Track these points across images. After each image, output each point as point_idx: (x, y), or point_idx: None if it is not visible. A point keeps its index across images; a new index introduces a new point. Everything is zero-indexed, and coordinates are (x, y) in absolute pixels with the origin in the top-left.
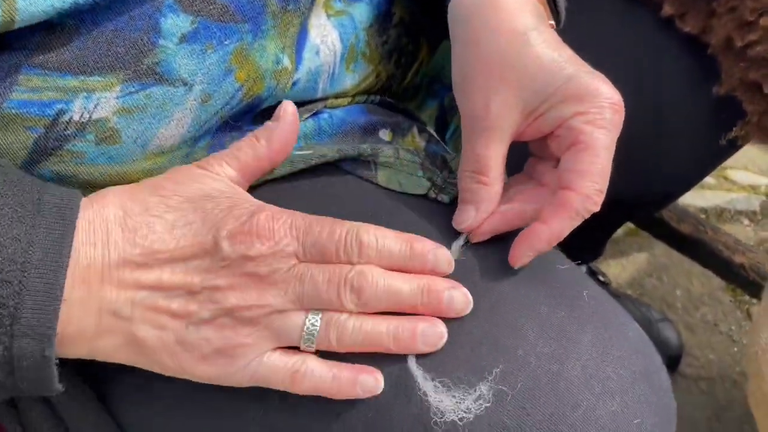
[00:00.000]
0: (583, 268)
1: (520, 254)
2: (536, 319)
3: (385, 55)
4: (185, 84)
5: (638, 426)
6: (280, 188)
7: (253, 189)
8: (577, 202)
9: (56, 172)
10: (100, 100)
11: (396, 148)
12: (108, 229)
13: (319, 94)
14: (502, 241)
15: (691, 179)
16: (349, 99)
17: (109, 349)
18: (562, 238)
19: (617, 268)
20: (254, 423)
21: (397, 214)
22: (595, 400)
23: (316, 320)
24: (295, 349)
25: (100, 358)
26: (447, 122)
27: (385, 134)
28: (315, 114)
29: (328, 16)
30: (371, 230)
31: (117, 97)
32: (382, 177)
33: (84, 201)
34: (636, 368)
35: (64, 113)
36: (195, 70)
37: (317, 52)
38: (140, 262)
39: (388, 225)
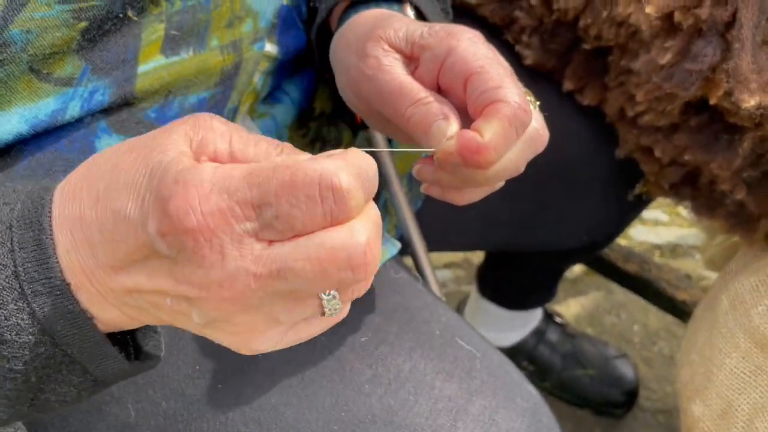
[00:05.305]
0: (540, 310)
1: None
2: (430, 394)
3: (308, 144)
4: None
5: None
6: None
7: None
8: (508, 110)
9: None
10: None
11: None
12: None
13: None
14: (406, 310)
15: (612, 230)
16: None
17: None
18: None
19: (577, 307)
20: None
21: None
22: None
23: None
24: None
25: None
26: (379, 193)
27: None
28: None
29: (253, 119)
30: None
31: None
32: None
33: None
34: (521, 430)
35: None
36: None
37: None
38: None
39: None
